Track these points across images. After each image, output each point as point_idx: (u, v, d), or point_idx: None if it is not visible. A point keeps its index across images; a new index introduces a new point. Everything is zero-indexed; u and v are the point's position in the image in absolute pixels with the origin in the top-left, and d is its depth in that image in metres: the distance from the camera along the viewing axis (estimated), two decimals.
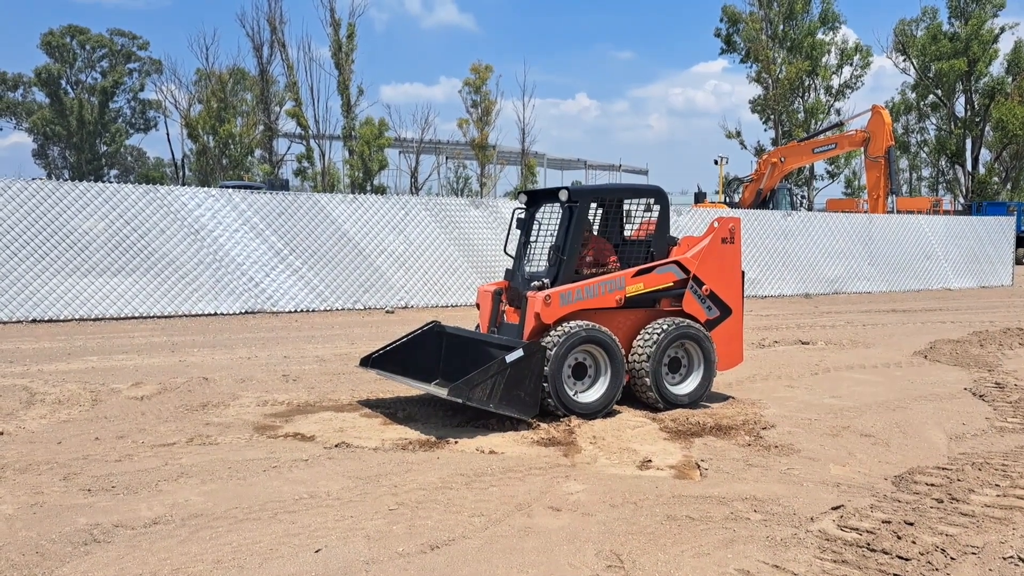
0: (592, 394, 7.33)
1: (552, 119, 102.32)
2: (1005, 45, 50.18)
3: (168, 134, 77.07)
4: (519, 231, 8.41)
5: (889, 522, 4.72)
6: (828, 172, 52.19)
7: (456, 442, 6.49)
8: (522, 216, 8.44)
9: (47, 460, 5.94)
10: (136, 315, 14.39)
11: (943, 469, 5.87)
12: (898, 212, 26.30)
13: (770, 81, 48.56)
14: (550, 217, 8.29)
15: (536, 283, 7.62)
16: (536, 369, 6.83)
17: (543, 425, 6.99)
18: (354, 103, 39.81)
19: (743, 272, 8.36)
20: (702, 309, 7.99)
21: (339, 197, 16.55)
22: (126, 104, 57.47)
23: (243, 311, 15.32)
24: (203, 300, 15.01)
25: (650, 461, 6.01)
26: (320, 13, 69.26)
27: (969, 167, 51.49)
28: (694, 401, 7.77)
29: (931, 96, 51.63)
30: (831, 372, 9.95)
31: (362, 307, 16.39)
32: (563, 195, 7.72)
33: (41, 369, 9.63)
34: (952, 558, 4.24)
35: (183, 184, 40.21)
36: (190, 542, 4.42)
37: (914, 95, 52.62)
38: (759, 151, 48.96)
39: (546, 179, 55.76)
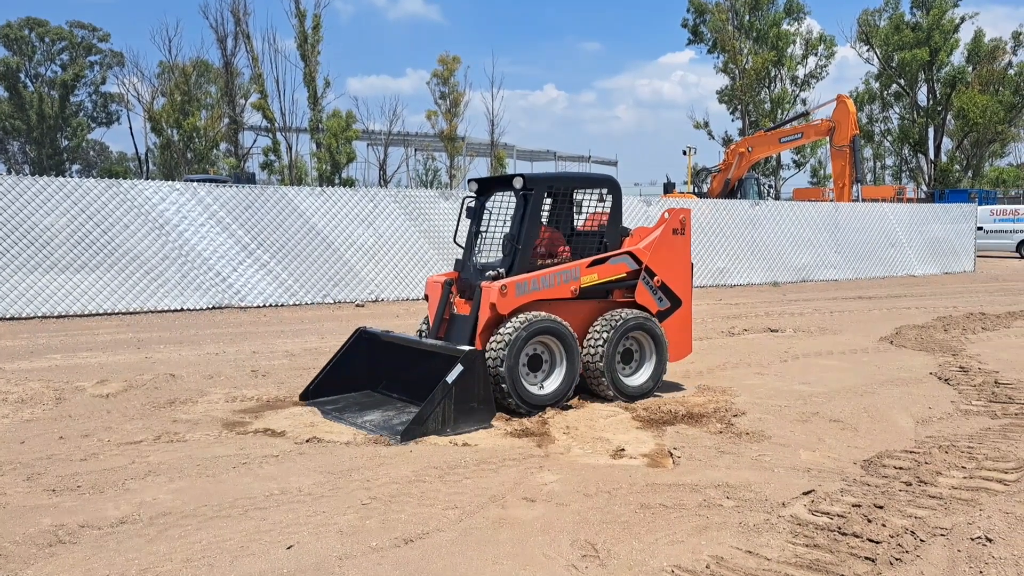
0: (548, 386, 7.22)
1: (521, 110, 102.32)
2: (965, 35, 51.01)
3: (131, 128, 75.87)
4: (469, 220, 8.24)
5: (859, 506, 4.77)
6: (794, 161, 52.81)
7: (428, 437, 6.45)
8: (472, 205, 8.27)
9: (10, 460, 5.80)
10: (100, 312, 14.12)
11: (911, 453, 5.95)
12: (863, 200, 26.65)
13: (737, 71, 48.95)
14: (501, 206, 8.16)
15: (491, 273, 7.48)
16: (481, 374, 6.64)
17: (515, 416, 6.98)
18: (321, 95, 39.42)
19: (692, 264, 8.34)
20: (654, 300, 7.98)
21: (307, 190, 16.37)
22: (87, 98, 56.37)
23: (210, 306, 15.10)
24: (169, 296, 14.76)
25: (623, 450, 6.03)
26: (285, 4, 68.36)
27: (931, 155, 52.37)
28: (647, 392, 7.74)
29: (894, 85, 52.39)
30: (800, 359, 10.06)
31: (332, 301, 16.24)
32: (518, 182, 7.58)
33: (2, 368, 9.41)
34: (922, 540, 4.30)
35: (147, 179, 39.58)
36: (158, 541, 4.34)
37: (877, 85, 53.34)
38: (727, 141, 49.37)
39: (516, 170, 55.70)
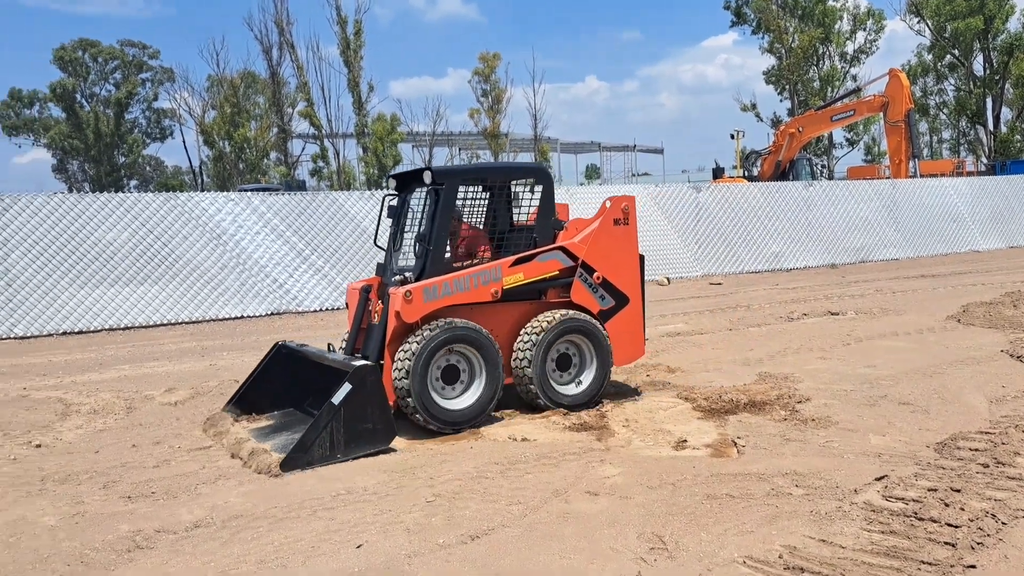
0: (465, 399, 6.59)
1: (563, 104, 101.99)
2: (1021, 0, 49.04)
3: (184, 141, 77.66)
4: (390, 220, 7.55)
5: (935, 490, 4.63)
6: (847, 140, 51.48)
7: (487, 432, 6.47)
8: (393, 203, 7.60)
9: (86, 469, 6.00)
10: (164, 322, 14.51)
11: (986, 433, 5.76)
12: (921, 176, 25.88)
13: (783, 51, 47.92)
14: (423, 203, 7.44)
15: (397, 278, 6.89)
16: (376, 393, 5.97)
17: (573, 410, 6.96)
18: (365, 100, 39.77)
19: (642, 256, 7.58)
20: (593, 299, 7.26)
21: (356, 194, 16.58)
22: (141, 114, 57.87)
23: (269, 312, 15.40)
24: (229, 304, 15.10)
25: (685, 441, 5.96)
26: (327, 12, 69.29)
27: (991, 126, 50.56)
28: (588, 401, 7.05)
29: (948, 56, 50.68)
30: (863, 341, 9.81)
31: None
32: (427, 176, 6.94)
33: (74, 380, 9.73)
34: (1003, 523, 4.16)
35: (202, 190, 40.51)
36: (232, 543, 4.43)
37: (931, 56, 51.65)
38: (776, 122, 48.38)
39: (560, 164, 55.60)
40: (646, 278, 7.75)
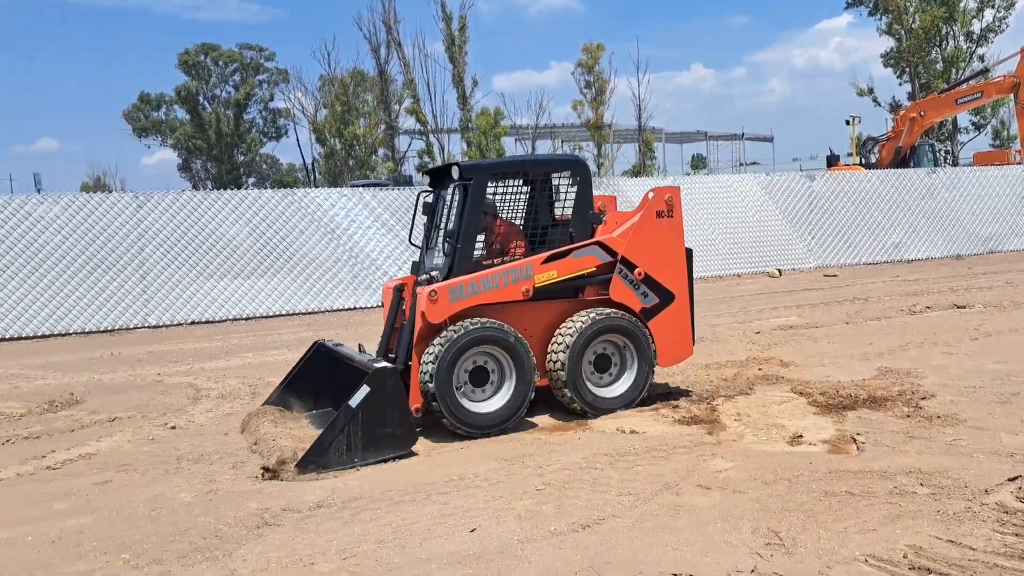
0: (494, 403, 6.36)
1: (668, 93, 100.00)
2: None
3: (298, 140, 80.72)
4: (425, 216, 7.35)
5: None
6: (973, 124, 48.43)
7: (595, 423, 6.49)
8: (429, 200, 7.37)
9: (217, 450, 6.37)
10: (283, 313, 15.20)
11: None
12: None
13: (903, 32, 45.49)
14: (453, 199, 7.15)
15: (424, 277, 6.73)
16: (396, 396, 5.83)
17: (682, 404, 6.88)
18: (469, 95, 40.29)
19: (689, 250, 7.17)
20: (635, 296, 6.88)
21: None
22: (258, 114, 60.52)
23: (379, 304, 15.88)
24: (343, 295, 15.68)
25: (801, 436, 5.80)
26: (432, 9, 70.43)
27: None
28: (628, 403, 6.76)
29: None
30: (993, 336, 9.27)
31: None
32: (454, 172, 6.70)
33: (203, 367, 10.33)
34: None
35: (314, 187, 42.06)
36: (353, 523, 4.63)
37: None
38: (895, 107, 46.01)
39: (665, 154, 54.70)
40: (695, 274, 7.36)
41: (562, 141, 51.11)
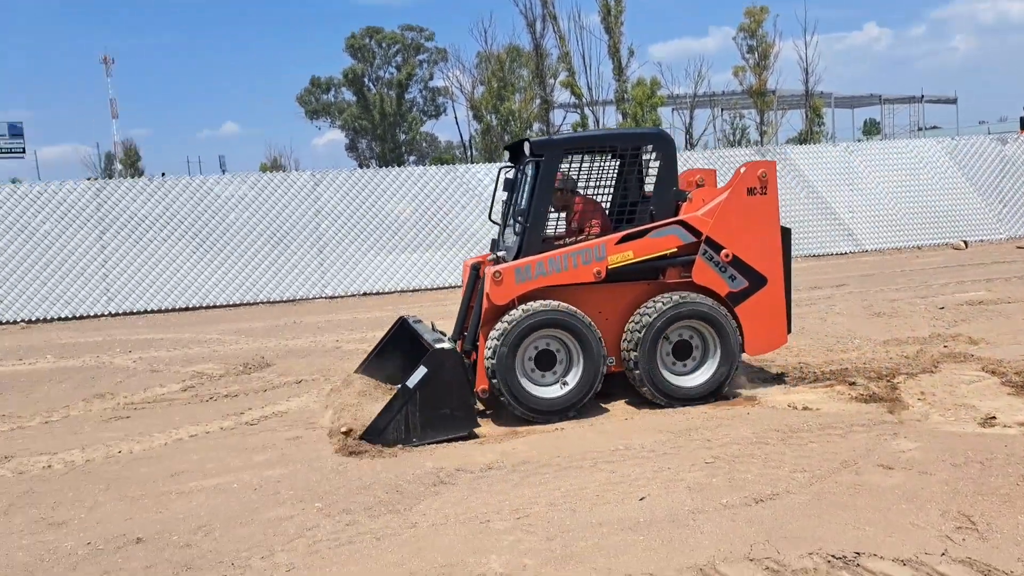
0: (559, 388, 6.20)
1: (837, 55, 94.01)
2: None
3: (456, 117, 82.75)
4: (506, 193, 7.03)
5: None
6: None
7: (764, 398, 6.33)
8: (510, 176, 7.06)
9: None
10: (446, 285, 15.77)
11: None
12: None
13: None
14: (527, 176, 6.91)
15: (492, 256, 6.56)
16: (457, 377, 5.81)
17: (859, 381, 6.57)
18: (625, 65, 39.70)
19: (787, 230, 6.66)
20: (721, 279, 6.43)
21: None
22: (418, 93, 62.53)
23: None
24: None
25: (994, 418, 5.41)
26: None
27: None
28: (707, 394, 6.36)
29: None
30: None
31: None
32: (526, 148, 6.45)
33: (375, 335, 10.89)
34: None
35: (471, 163, 43.10)
36: (523, 486, 4.79)
37: None
38: None
39: (834, 120, 51.63)
40: (793, 254, 6.76)
41: (722, 109, 49.40)
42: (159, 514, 4.71)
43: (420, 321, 7.41)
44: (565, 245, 6.48)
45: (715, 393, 6.39)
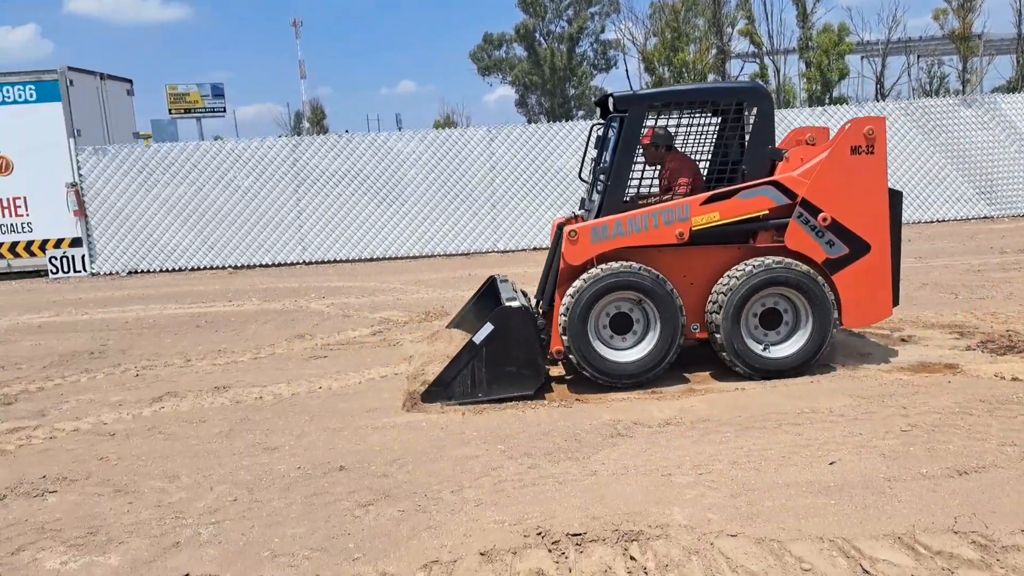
0: (634, 353, 5.95)
1: None
2: None
3: (627, 71, 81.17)
4: (596, 151, 6.72)
5: None
6: None
7: (968, 367, 5.89)
8: (601, 132, 6.70)
9: (571, 366, 6.85)
10: None
11: None
12: None
13: None
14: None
15: (571, 215, 6.31)
16: (525, 335, 5.76)
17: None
18: (810, 11, 37.35)
19: (897, 192, 6.01)
20: (817, 245, 5.94)
21: (794, 111, 15.85)
22: (589, 47, 61.79)
23: None
24: None
25: None
26: None
27: None
28: (798, 366, 5.94)
29: None
30: None
31: None
32: (610, 103, 6.13)
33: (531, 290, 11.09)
34: None
35: None
36: (702, 443, 4.76)
37: None
38: None
39: None
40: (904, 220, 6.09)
41: (918, 56, 45.39)
42: (358, 446, 5.10)
43: (507, 280, 7.43)
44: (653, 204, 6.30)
45: (802, 367, 6.03)
